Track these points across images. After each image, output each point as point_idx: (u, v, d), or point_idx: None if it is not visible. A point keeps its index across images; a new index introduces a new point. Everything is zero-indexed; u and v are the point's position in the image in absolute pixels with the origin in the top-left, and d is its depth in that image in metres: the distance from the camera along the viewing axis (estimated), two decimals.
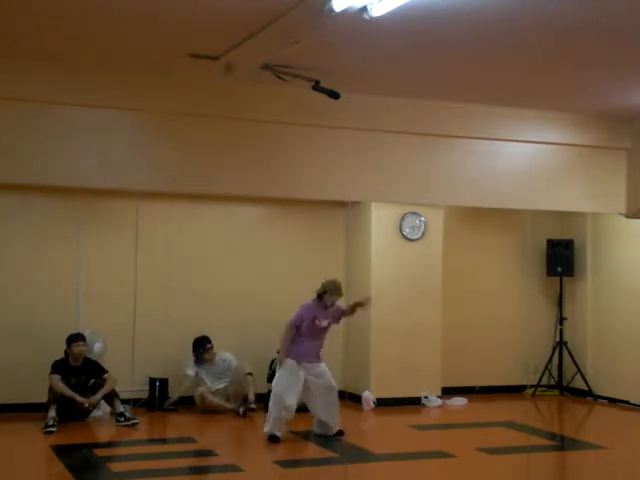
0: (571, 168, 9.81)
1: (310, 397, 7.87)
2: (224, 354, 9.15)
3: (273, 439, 7.58)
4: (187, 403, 9.03)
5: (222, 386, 9.07)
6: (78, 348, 8.38)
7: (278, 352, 7.91)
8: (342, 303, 8.15)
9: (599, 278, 10.58)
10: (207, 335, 9.08)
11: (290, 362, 7.71)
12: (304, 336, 7.77)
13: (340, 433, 7.86)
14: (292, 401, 7.67)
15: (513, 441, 8.11)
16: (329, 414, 7.84)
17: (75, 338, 8.41)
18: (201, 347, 8.99)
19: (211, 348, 9.02)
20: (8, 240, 8.82)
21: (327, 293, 7.78)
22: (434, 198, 9.45)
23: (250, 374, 9.05)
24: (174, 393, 9.07)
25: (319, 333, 7.85)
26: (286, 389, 7.65)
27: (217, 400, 8.91)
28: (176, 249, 9.40)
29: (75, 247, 8.95)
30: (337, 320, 8.03)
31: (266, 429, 7.67)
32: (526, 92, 8.66)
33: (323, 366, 7.88)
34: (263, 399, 8.99)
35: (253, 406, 8.82)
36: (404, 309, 9.61)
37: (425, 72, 7.94)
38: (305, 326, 7.75)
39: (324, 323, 7.84)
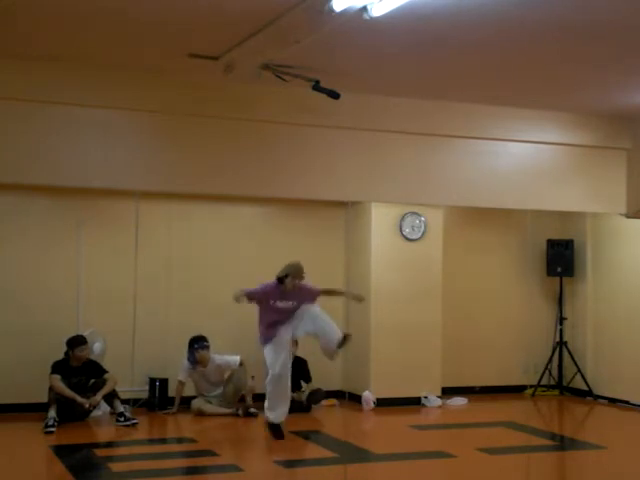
0: (571, 168, 9.82)
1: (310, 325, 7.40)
2: (219, 359, 9.03)
3: (277, 434, 7.44)
4: (185, 403, 9.00)
5: (218, 392, 9.03)
6: (83, 353, 8.36)
7: None
8: (314, 284, 7.61)
9: (599, 278, 10.58)
10: (204, 335, 8.99)
11: (265, 346, 7.38)
12: (265, 319, 7.38)
13: (345, 338, 7.19)
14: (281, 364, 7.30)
15: (513, 441, 8.11)
16: (326, 330, 7.32)
17: (79, 342, 8.38)
18: (196, 343, 8.89)
19: (206, 347, 8.94)
20: (8, 240, 8.81)
21: (289, 277, 7.35)
22: (434, 198, 9.46)
23: (252, 377, 9.02)
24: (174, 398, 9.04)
25: (278, 313, 7.37)
26: (273, 357, 7.27)
27: (214, 409, 8.86)
28: (176, 249, 9.40)
29: (75, 247, 8.94)
30: (312, 300, 7.50)
31: (270, 416, 7.31)
32: (526, 92, 8.67)
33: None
34: (263, 399, 8.98)
35: (253, 410, 8.79)
36: (404, 309, 9.61)
37: (425, 72, 7.95)
38: (262, 308, 7.39)
39: (284, 305, 7.38)
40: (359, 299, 7.96)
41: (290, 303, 7.53)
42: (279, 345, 7.38)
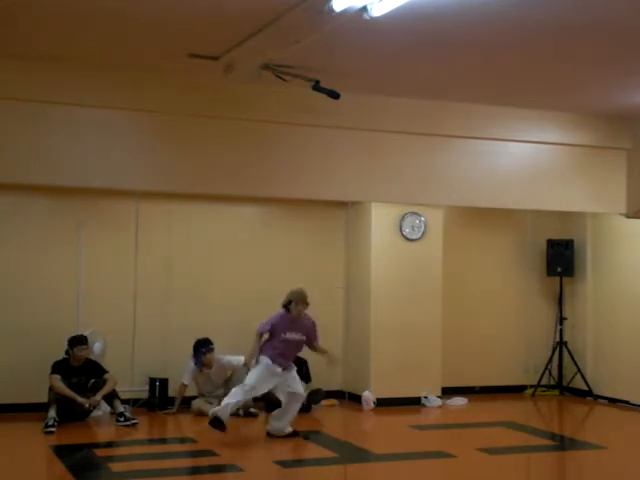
0: (571, 168, 9.83)
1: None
2: (222, 358, 9.04)
3: (217, 425, 7.54)
4: (185, 403, 9.00)
5: (219, 393, 9.02)
6: (82, 352, 8.36)
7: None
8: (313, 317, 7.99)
9: (599, 278, 10.57)
10: (208, 337, 9.01)
11: (265, 359, 7.67)
12: (276, 345, 7.71)
13: (294, 434, 7.80)
14: (261, 392, 7.80)
15: (513, 441, 8.11)
16: (281, 418, 7.80)
17: (80, 341, 8.37)
18: (203, 346, 8.90)
19: (213, 350, 8.94)
20: (8, 240, 8.80)
21: (292, 302, 7.67)
22: (434, 198, 9.46)
23: None
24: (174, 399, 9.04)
25: (290, 346, 7.76)
26: (260, 381, 7.65)
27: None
28: (176, 249, 9.39)
29: (75, 247, 8.94)
30: (311, 336, 7.87)
31: (222, 411, 7.61)
32: (526, 92, 8.67)
33: (294, 372, 7.89)
34: (263, 399, 8.99)
35: (253, 410, 8.79)
36: (404, 309, 9.60)
37: (425, 72, 7.95)
38: (275, 338, 7.72)
39: (292, 336, 7.74)
40: (332, 361, 8.12)
41: (298, 335, 7.73)
42: (270, 376, 7.67)
